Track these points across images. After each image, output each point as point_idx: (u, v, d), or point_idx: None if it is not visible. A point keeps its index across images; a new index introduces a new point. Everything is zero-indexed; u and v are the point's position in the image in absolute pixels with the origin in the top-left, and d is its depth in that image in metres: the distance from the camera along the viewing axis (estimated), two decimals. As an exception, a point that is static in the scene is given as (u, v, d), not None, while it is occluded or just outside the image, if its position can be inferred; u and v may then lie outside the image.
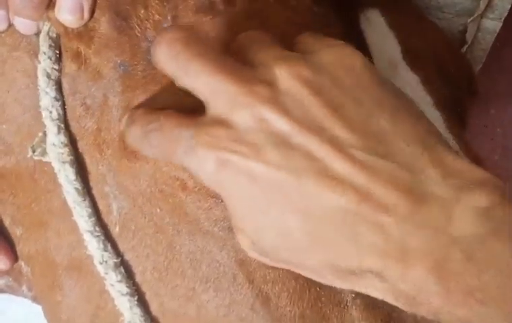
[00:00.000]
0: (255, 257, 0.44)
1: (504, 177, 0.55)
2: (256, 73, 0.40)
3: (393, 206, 0.37)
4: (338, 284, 0.42)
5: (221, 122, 0.40)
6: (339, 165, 0.38)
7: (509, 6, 0.76)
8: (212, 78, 0.40)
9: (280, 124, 0.38)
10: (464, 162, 0.39)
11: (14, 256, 0.58)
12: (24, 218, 0.55)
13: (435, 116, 0.58)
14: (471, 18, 0.77)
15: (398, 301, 0.39)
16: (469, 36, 0.78)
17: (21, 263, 0.58)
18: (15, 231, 0.57)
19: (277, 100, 0.39)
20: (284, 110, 0.39)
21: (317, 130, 0.38)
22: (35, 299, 0.62)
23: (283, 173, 0.38)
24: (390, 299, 0.39)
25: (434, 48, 0.64)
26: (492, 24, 0.78)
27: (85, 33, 0.49)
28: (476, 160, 0.56)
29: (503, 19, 0.78)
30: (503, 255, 0.35)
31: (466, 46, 0.78)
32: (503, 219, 0.36)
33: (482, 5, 0.75)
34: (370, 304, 0.48)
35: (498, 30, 0.79)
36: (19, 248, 0.57)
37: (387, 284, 0.38)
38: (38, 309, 0.61)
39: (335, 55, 0.41)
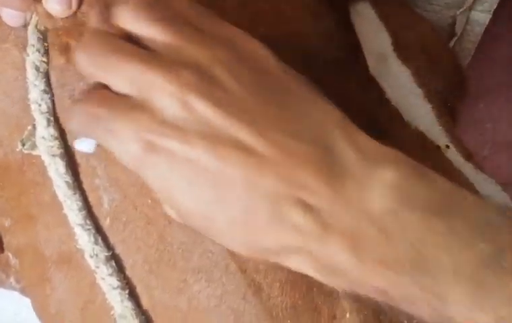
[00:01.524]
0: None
1: (493, 173, 0.55)
2: (177, 56, 0.40)
3: (309, 183, 0.38)
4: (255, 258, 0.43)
5: (143, 107, 0.40)
6: (257, 145, 0.38)
7: (498, -2, 0.77)
8: (130, 67, 0.40)
9: (203, 108, 0.39)
10: (375, 142, 0.40)
11: (1, 247, 0.57)
12: (13, 210, 0.55)
13: (426, 109, 0.58)
14: (461, 10, 0.78)
15: (317, 274, 0.40)
16: (458, 28, 0.79)
17: (9, 254, 0.58)
18: (4, 223, 0.56)
19: (200, 85, 0.39)
20: (207, 95, 0.39)
21: (237, 115, 0.39)
22: (23, 292, 0.62)
23: (206, 156, 0.39)
24: (309, 272, 0.41)
25: (425, 42, 0.64)
26: (482, 16, 0.79)
27: (74, 28, 0.49)
28: (466, 154, 0.56)
29: (492, 11, 0.79)
30: (414, 226, 0.37)
31: (455, 38, 0.78)
32: (413, 191, 0.38)
33: (471, -3, 0.76)
34: (362, 295, 0.48)
35: (487, 22, 0.79)
36: (6, 240, 0.57)
37: (305, 257, 0.39)
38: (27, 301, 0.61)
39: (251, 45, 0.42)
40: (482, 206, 0.39)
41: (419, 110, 0.58)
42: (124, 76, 0.40)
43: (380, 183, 0.37)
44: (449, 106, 0.62)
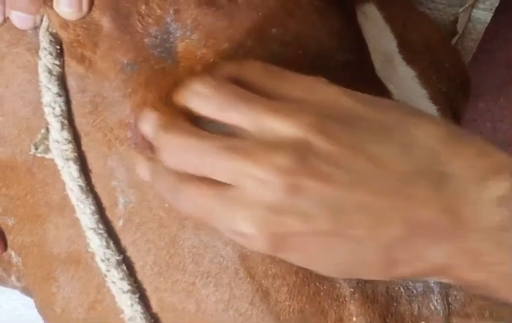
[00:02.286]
0: None
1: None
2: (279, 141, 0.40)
3: (427, 207, 0.39)
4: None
5: (253, 200, 0.40)
6: (374, 203, 0.39)
7: (500, -3, 0.77)
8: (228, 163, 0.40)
9: (315, 186, 0.39)
10: (482, 148, 0.41)
11: (4, 245, 0.57)
12: (17, 209, 0.55)
13: (431, 110, 0.58)
14: (463, 8, 0.78)
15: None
16: (460, 27, 0.79)
17: (11, 253, 0.58)
18: (7, 222, 0.56)
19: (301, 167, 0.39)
20: (313, 173, 0.39)
21: (346, 179, 0.39)
22: (24, 290, 0.62)
23: (331, 226, 0.39)
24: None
25: (429, 43, 0.64)
26: (483, 15, 0.79)
27: (88, 40, 0.49)
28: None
29: (494, 9, 0.79)
30: None
31: (457, 37, 0.78)
32: None
33: (473, -5, 0.76)
34: (368, 298, 0.49)
35: (488, 21, 0.79)
36: (10, 238, 0.57)
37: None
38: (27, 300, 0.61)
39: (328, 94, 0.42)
40: None
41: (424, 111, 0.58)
42: (224, 170, 0.40)
43: (492, 200, 0.38)
44: (453, 106, 0.63)
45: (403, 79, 0.59)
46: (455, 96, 0.64)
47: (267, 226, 0.39)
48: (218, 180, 0.41)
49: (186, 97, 0.43)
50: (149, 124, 0.44)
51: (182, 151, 0.41)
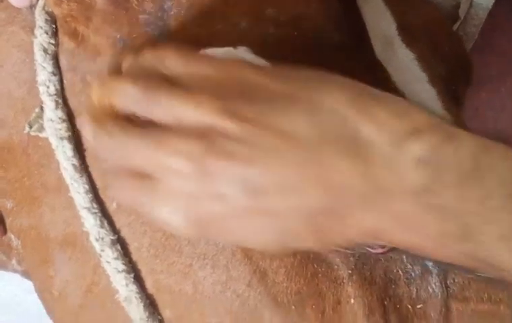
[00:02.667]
0: None
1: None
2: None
3: (340, 173, 0.38)
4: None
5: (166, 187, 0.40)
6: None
7: (502, -18, 0.77)
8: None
9: (235, 168, 0.39)
10: (394, 110, 0.40)
11: (3, 228, 0.57)
12: (15, 192, 0.55)
13: (431, 93, 0.58)
14: (465, -7, 0.77)
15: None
16: (461, 12, 0.78)
17: (11, 236, 0.58)
18: (5, 204, 0.56)
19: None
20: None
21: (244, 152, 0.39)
22: (25, 274, 0.62)
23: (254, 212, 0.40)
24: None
25: (429, 26, 0.64)
26: (485, 0, 0.78)
27: (80, 14, 0.48)
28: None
29: (496, -5, 0.78)
30: (450, 199, 0.37)
31: (459, 22, 0.78)
32: (444, 161, 0.37)
33: (476, -19, 0.75)
34: (366, 281, 0.48)
35: (490, 6, 0.79)
36: (9, 221, 0.57)
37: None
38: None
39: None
40: None
41: (424, 95, 0.58)
42: (146, 163, 0.41)
43: (410, 162, 0.37)
44: (453, 90, 0.62)
45: (403, 62, 0.59)
46: (455, 80, 0.64)
47: (189, 214, 0.40)
48: (147, 172, 0.41)
49: (109, 95, 0.42)
50: (85, 130, 0.45)
51: (111, 149, 0.42)
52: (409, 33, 0.61)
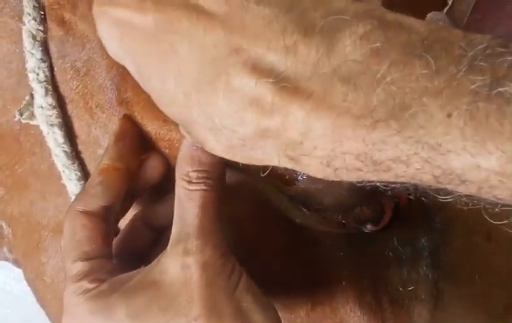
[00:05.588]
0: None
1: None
2: None
3: (264, 40, 0.33)
4: (231, 155, 0.38)
5: None
6: (214, 7, 0.35)
7: (491, -34, 0.76)
8: None
9: None
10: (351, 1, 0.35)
11: None
12: (6, 179, 0.55)
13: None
14: (452, -23, 0.77)
15: (286, 154, 0.35)
16: (449, -3, 0.78)
17: (2, 224, 0.58)
18: (-4, 192, 0.56)
19: None
20: None
21: None
22: (15, 262, 0.62)
23: (156, 18, 0.36)
24: (280, 158, 0.36)
25: (416, 10, 0.64)
26: (473, -15, 0.78)
27: (68, 2, 0.48)
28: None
29: (484, -21, 0.78)
30: (390, 74, 0.31)
31: (447, 8, 0.78)
32: (387, 38, 0.32)
33: (464, -35, 0.75)
34: (357, 263, 0.49)
35: (478, -8, 0.79)
36: (0, 209, 0.57)
37: (273, 139, 0.35)
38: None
39: None
40: (471, 38, 0.31)
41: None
42: None
43: (350, 37, 0.32)
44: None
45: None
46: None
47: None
48: None
49: None
50: None
51: None
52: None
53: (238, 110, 0.34)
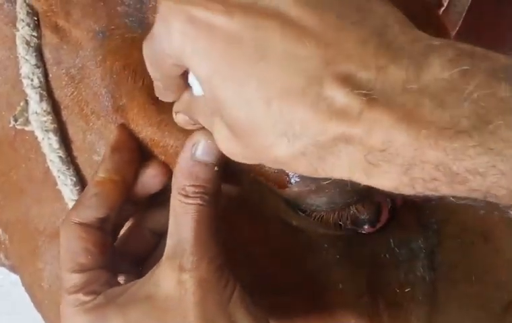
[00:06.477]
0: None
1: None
2: None
3: (357, 56, 0.35)
4: (310, 170, 0.38)
5: None
6: (301, 18, 0.36)
7: (486, -31, 0.77)
8: None
9: None
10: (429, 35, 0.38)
11: None
12: (2, 185, 0.55)
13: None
14: (448, -20, 0.77)
15: (366, 160, 0.36)
16: (444, -1, 0.79)
17: (-1, 230, 0.58)
18: (-8, 198, 0.56)
19: None
20: None
21: None
22: (12, 268, 0.62)
23: (245, 26, 0.37)
24: (354, 166, 0.37)
25: (411, 11, 0.64)
26: (468, -13, 0.79)
27: (61, 9, 0.48)
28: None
29: (479, -19, 0.79)
30: (475, 94, 0.33)
31: (442, 9, 0.78)
32: (473, 64, 0.34)
33: (458, -32, 0.76)
34: (354, 265, 0.49)
35: (473, -6, 0.79)
36: (-4, 215, 0.57)
37: (353, 146, 0.36)
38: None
39: None
40: None
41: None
42: None
43: (440, 59, 0.34)
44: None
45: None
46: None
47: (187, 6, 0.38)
48: None
49: None
50: None
51: None
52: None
53: (324, 118, 0.35)
